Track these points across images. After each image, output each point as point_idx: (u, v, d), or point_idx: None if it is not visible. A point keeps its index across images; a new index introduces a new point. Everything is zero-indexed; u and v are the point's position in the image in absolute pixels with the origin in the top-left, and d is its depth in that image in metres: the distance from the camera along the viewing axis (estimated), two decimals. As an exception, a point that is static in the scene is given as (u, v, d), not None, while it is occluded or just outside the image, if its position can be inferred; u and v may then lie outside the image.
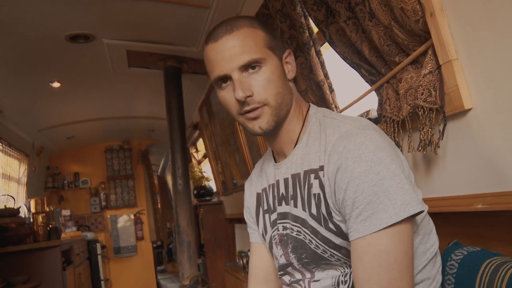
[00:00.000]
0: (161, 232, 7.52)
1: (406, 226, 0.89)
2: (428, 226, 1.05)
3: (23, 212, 3.83)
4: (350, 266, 1.01)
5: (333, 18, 1.60)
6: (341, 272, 1.02)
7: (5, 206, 3.64)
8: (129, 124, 5.53)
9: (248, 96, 1.00)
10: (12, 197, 3.71)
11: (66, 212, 5.42)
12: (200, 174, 4.84)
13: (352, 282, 1.01)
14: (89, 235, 5.52)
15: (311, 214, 1.01)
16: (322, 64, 1.80)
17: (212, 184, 4.97)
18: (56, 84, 3.70)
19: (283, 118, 1.05)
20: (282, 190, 1.11)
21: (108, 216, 6.32)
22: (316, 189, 1.00)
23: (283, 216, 1.10)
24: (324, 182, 0.97)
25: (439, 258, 1.10)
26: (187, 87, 4.01)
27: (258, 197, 1.25)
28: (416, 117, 1.28)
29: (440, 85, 1.17)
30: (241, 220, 4.47)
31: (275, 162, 1.17)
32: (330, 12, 1.61)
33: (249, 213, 1.31)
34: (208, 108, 4.01)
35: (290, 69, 1.06)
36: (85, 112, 4.82)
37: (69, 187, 6.15)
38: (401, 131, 1.35)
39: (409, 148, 1.30)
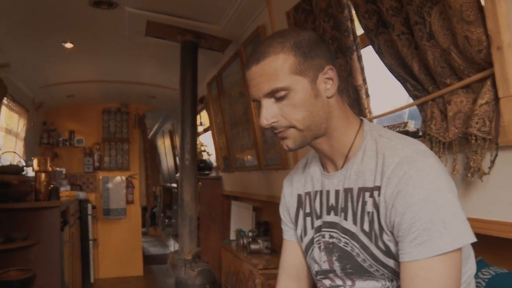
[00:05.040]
0: (151, 197, 7.56)
1: (457, 254, 0.95)
2: (467, 251, 1.11)
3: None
4: (391, 280, 1.06)
5: (383, 28, 1.62)
6: (382, 285, 1.08)
7: (10, 163, 3.63)
8: (130, 88, 5.48)
9: (274, 122, 1.07)
10: (18, 154, 3.69)
11: (60, 170, 5.40)
12: (201, 147, 4.85)
13: None
14: (81, 195, 5.54)
15: (362, 230, 1.06)
16: (362, 69, 1.84)
17: (212, 159, 5.00)
18: (68, 45, 3.64)
19: (315, 136, 1.10)
20: (332, 200, 1.15)
21: (100, 177, 6.32)
22: (370, 207, 1.05)
23: (331, 225, 1.15)
24: (379, 202, 1.02)
25: (473, 282, 1.16)
26: (199, 61, 3.98)
27: (299, 198, 1.30)
28: (464, 142, 1.33)
29: (497, 117, 1.22)
30: (238, 198, 4.54)
31: (324, 169, 1.21)
32: (381, 22, 1.62)
33: (286, 211, 1.35)
34: (219, 85, 4.01)
35: (330, 86, 1.08)
36: (90, 73, 4.76)
37: (64, 145, 6.10)
38: (446, 152, 1.40)
39: (453, 171, 1.35)
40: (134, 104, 6.42)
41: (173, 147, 7.63)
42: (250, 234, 3.52)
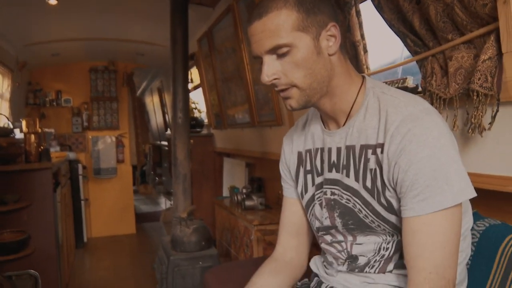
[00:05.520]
0: (142, 156, 7.55)
1: (458, 209, 0.97)
2: (465, 205, 1.14)
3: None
4: (392, 235, 1.09)
5: (384, -18, 1.58)
6: (383, 240, 1.11)
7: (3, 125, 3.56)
8: (117, 46, 5.34)
9: (275, 79, 1.07)
10: (6, 116, 3.62)
11: (49, 131, 5.34)
12: (191, 105, 4.81)
13: (393, 250, 1.11)
14: (71, 155, 5.50)
15: (365, 187, 1.08)
16: (360, 25, 1.81)
17: (203, 116, 4.97)
18: (53, 1, 3.50)
19: (319, 94, 1.09)
20: (333, 158, 1.16)
21: (90, 137, 6.26)
22: (372, 164, 1.06)
23: (333, 182, 1.16)
24: (382, 159, 1.03)
25: (469, 234, 1.20)
26: (189, 17, 3.88)
27: (300, 156, 1.31)
28: (465, 97, 1.33)
29: (499, 73, 1.21)
30: (230, 155, 4.55)
31: (325, 127, 1.21)
32: (381, -25, 1.59)
33: (286, 169, 1.37)
34: (210, 41, 3.93)
35: (333, 43, 1.07)
36: (75, 31, 4.61)
37: (51, 105, 5.98)
38: (447, 108, 1.40)
39: (454, 127, 1.36)
40: (122, 62, 6.27)
41: (162, 104, 7.56)
42: (244, 190, 3.56)
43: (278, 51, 1.04)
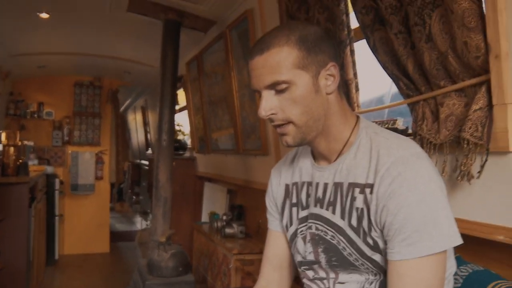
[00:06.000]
0: (121, 174, 7.45)
1: (444, 254, 0.99)
2: (449, 250, 1.15)
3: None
4: (375, 274, 1.09)
5: (380, 25, 1.62)
6: (366, 279, 1.11)
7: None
8: (104, 62, 5.32)
9: (272, 114, 1.08)
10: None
11: (28, 143, 5.24)
12: (177, 127, 4.79)
13: None
14: (49, 169, 5.39)
15: (350, 225, 1.08)
16: (354, 64, 1.84)
17: (187, 139, 4.95)
18: (44, 15, 3.50)
19: (315, 132, 1.11)
20: (319, 193, 1.17)
21: (69, 151, 6.16)
22: (359, 203, 1.07)
23: (317, 217, 1.16)
24: (371, 200, 1.04)
25: (452, 279, 1.21)
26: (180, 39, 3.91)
27: (287, 188, 1.31)
28: (455, 144, 1.36)
29: (489, 123, 1.25)
30: (212, 180, 4.52)
31: (315, 162, 1.22)
32: (378, 18, 1.63)
33: (272, 202, 1.37)
34: (200, 65, 3.95)
35: (331, 83, 1.09)
36: (64, 45, 4.59)
37: (32, 117, 5.87)
38: (436, 153, 1.43)
39: (443, 172, 1.39)
40: (107, 78, 6.24)
41: (145, 123, 7.51)
42: (224, 217, 3.53)
43: (277, 87, 1.05)
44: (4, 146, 3.52)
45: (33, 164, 5.00)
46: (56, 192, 5.43)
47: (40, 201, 4.51)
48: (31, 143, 5.37)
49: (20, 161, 3.60)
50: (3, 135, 3.54)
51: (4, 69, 4.93)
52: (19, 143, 3.62)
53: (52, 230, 5.41)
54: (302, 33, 1.06)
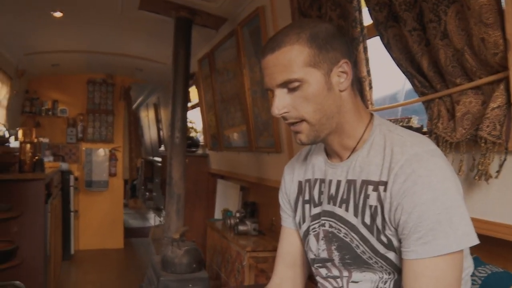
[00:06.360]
0: (134, 170, 7.51)
1: (460, 254, 0.97)
2: (465, 250, 1.13)
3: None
4: (389, 273, 1.08)
5: (394, 22, 1.60)
6: (380, 278, 1.10)
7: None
8: (117, 60, 5.35)
9: (285, 113, 1.08)
10: (4, 125, 3.59)
11: (44, 140, 5.30)
12: (189, 124, 4.80)
13: None
14: (64, 166, 5.46)
15: (363, 223, 1.07)
16: (367, 61, 1.82)
17: (199, 136, 4.96)
18: (58, 14, 3.52)
19: (328, 130, 1.10)
20: (332, 190, 1.16)
21: (83, 148, 6.23)
22: (373, 201, 1.06)
23: (330, 215, 1.16)
24: (385, 198, 1.03)
25: (470, 279, 1.19)
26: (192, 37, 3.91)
27: (300, 185, 1.31)
28: (472, 143, 1.34)
29: (508, 122, 1.22)
30: (224, 177, 4.53)
31: (328, 159, 1.21)
32: (391, 15, 1.60)
33: (286, 199, 1.37)
34: (211, 62, 3.94)
35: (344, 80, 1.08)
36: (77, 43, 4.63)
37: (46, 114, 5.95)
38: (453, 152, 1.41)
39: (459, 171, 1.37)
40: (120, 76, 6.28)
41: (158, 120, 7.54)
42: (237, 214, 3.53)
43: (289, 85, 1.05)
44: (20, 143, 3.57)
45: (48, 160, 5.06)
46: (71, 189, 5.50)
47: (56, 197, 4.57)
48: (46, 140, 5.43)
49: (36, 158, 3.65)
50: (20, 132, 3.58)
51: (20, 68, 4.99)
52: (35, 140, 3.66)
53: (68, 225, 5.49)
54: (313, 30, 1.06)
